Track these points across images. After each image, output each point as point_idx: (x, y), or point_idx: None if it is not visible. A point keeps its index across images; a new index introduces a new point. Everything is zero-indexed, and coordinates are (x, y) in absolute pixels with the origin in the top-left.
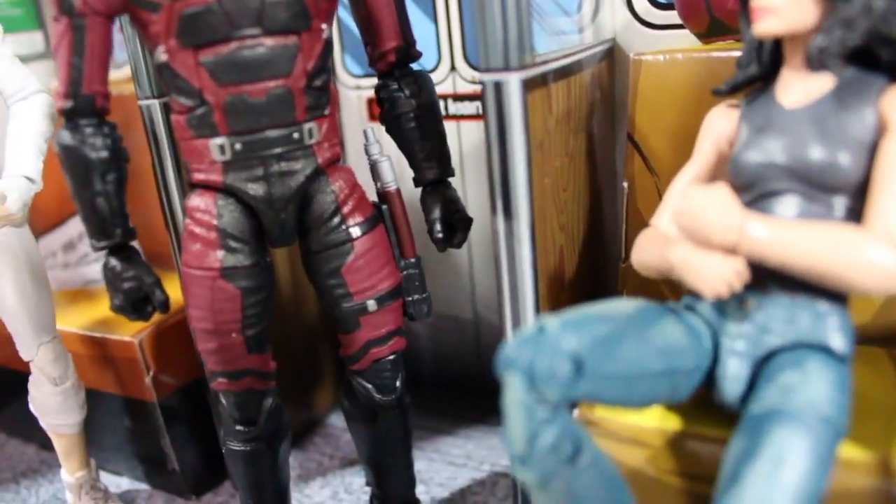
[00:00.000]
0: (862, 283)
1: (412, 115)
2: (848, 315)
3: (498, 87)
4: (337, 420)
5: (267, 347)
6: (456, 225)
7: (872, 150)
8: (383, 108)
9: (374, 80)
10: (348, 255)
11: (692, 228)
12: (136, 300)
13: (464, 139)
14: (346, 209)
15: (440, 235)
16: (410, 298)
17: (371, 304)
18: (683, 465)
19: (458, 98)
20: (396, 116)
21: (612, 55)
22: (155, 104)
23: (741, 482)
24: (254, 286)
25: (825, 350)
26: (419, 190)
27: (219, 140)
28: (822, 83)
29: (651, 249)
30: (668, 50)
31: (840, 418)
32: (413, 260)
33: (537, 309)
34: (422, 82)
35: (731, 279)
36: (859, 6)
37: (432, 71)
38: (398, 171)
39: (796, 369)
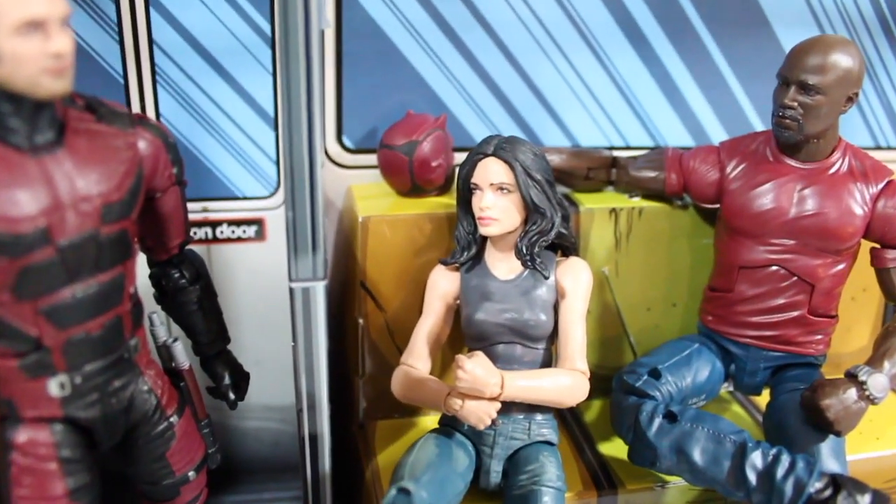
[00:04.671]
0: (572, 402)
1: (195, 298)
2: (555, 419)
3: (306, 291)
4: None
5: None
6: (240, 384)
7: (556, 307)
8: (165, 295)
9: None
10: (171, 440)
11: (471, 388)
12: None
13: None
14: (163, 402)
15: (233, 397)
16: (209, 452)
17: (192, 475)
18: None
19: None
20: (180, 304)
21: None
22: None
23: None
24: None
25: (548, 443)
26: None
27: (59, 378)
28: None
29: (421, 392)
30: (387, 213)
31: (564, 483)
32: (206, 420)
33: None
34: (198, 264)
35: (493, 415)
36: (549, 221)
37: None
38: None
39: (535, 462)
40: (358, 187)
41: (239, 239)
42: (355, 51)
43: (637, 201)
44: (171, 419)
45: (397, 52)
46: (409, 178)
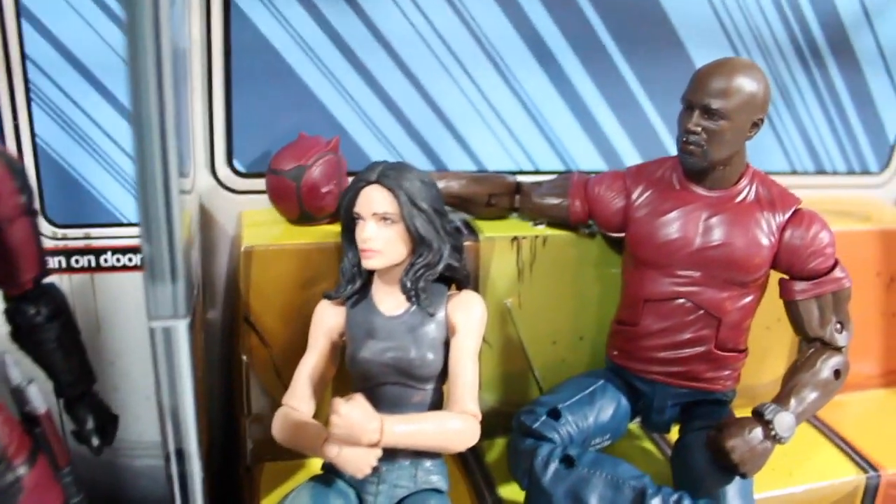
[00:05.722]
0: (461, 447)
1: (53, 336)
2: (445, 464)
3: (167, 331)
4: None
5: None
6: (107, 428)
7: (446, 344)
8: (20, 332)
9: None
10: (19, 494)
11: (347, 436)
12: None
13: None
14: (10, 451)
15: (97, 443)
16: (72, 502)
17: None
18: None
19: None
20: (37, 342)
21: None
22: None
23: None
24: None
25: (436, 491)
26: None
27: None
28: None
29: (299, 437)
30: (273, 243)
31: None
32: (68, 468)
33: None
34: (59, 299)
35: (373, 463)
36: (436, 253)
37: None
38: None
39: None
40: (249, 213)
41: (125, 267)
42: (245, 69)
43: (542, 229)
44: (19, 471)
45: (290, 70)
46: (297, 204)
